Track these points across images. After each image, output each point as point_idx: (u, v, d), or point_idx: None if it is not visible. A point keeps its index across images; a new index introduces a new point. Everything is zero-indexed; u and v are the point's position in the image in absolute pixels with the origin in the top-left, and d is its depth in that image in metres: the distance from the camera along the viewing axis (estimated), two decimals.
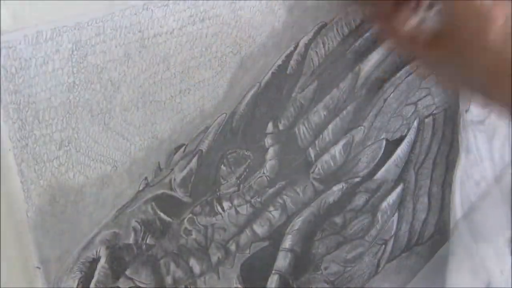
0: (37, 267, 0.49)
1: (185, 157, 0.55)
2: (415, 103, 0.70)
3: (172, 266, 0.56)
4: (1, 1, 0.42)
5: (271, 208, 0.62)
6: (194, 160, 0.55)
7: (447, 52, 0.55)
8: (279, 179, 0.62)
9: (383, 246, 0.73)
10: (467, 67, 0.55)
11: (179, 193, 0.55)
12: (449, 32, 0.55)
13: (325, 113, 0.63)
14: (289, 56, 0.60)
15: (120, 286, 0.53)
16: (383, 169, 0.69)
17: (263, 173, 0.60)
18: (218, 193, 0.58)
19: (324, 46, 0.62)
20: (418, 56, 0.59)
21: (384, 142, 0.68)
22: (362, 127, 0.66)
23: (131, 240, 0.53)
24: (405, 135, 0.70)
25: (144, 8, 0.49)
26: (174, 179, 0.55)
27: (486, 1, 0.52)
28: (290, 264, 0.64)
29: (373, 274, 0.74)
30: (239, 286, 0.61)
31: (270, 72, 0.59)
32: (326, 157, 0.64)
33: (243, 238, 0.60)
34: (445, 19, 0.55)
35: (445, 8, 0.55)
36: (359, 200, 0.68)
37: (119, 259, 0.53)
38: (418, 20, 0.56)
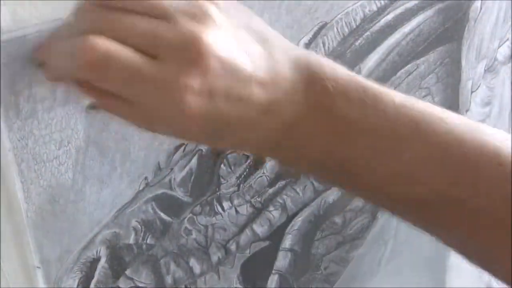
0: (37, 267, 0.49)
1: (184, 156, 0.55)
2: None
3: (172, 266, 0.56)
4: (1, 1, 0.42)
5: (271, 208, 0.62)
6: (194, 159, 0.55)
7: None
8: (279, 178, 0.62)
9: (383, 246, 0.73)
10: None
11: (179, 193, 0.55)
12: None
13: None
14: None
15: (121, 286, 0.53)
16: None
17: (263, 172, 0.60)
18: (218, 193, 0.58)
19: (324, 46, 0.62)
20: None
21: None
22: None
23: (131, 240, 0.53)
24: None
25: None
26: (174, 179, 0.55)
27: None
28: (290, 264, 0.64)
29: (373, 274, 0.74)
30: (239, 286, 0.61)
31: None
32: None
33: (243, 238, 0.60)
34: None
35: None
36: (359, 200, 0.68)
37: (119, 259, 0.53)
38: None
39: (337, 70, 0.44)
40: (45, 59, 0.43)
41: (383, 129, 0.43)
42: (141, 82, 0.40)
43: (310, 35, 0.61)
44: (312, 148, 0.44)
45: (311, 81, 0.43)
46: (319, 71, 0.43)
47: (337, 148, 0.43)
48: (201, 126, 0.41)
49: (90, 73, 0.40)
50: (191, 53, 0.40)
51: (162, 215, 0.55)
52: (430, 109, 0.44)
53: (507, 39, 0.80)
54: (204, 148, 0.56)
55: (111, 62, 0.39)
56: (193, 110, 0.40)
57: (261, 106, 0.42)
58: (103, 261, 0.52)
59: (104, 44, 0.39)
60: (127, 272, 0.53)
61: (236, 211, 0.59)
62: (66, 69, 0.41)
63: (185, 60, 0.40)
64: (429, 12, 0.69)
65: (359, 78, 0.44)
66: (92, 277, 0.52)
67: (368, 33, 0.65)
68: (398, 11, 0.66)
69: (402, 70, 0.69)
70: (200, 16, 0.41)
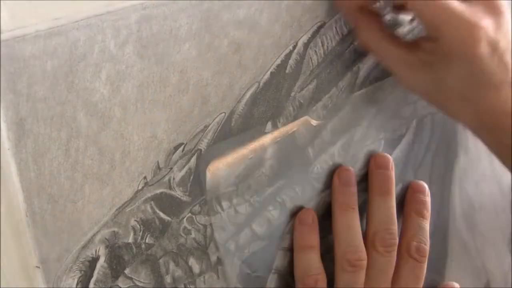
0: (37, 267, 0.49)
1: (184, 156, 0.55)
2: (414, 103, 0.70)
3: (172, 265, 0.56)
4: (1, 1, 0.42)
5: (270, 208, 0.62)
6: (193, 159, 0.55)
7: (428, 57, 0.56)
8: (278, 178, 0.62)
9: None
10: (446, 76, 0.55)
11: (178, 193, 0.55)
12: (433, 39, 0.55)
13: (324, 112, 0.63)
14: (288, 56, 0.60)
15: (120, 285, 0.53)
16: None
17: (262, 172, 0.60)
18: (217, 193, 0.58)
19: (323, 46, 0.62)
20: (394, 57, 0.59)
21: (382, 142, 0.68)
22: (361, 127, 0.66)
23: (130, 239, 0.53)
24: (404, 135, 0.70)
25: (143, 7, 0.49)
26: (173, 178, 0.55)
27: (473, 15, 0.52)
28: (289, 264, 0.64)
29: None
30: (238, 285, 0.61)
31: (269, 72, 0.59)
32: (325, 156, 0.64)
33: (243, 237, 0.60)
34: (427, 27, 0.56)
35: (423, 17, 0.56)
36: (358, 199, 0.68)
37: (118, 258, 0.53)
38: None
39: None
40: None
41: None
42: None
43: (309, 34, 0.61)
44: None
45: None
46: None
47: None
48: (479, 66, 0.53)
49: None
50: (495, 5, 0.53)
51: (161, 214, 0.55)
52: None
53: None
54: (203, 147, 0.56)
55: None
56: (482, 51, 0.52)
57: None
58: (102, 260, 0.52)
59: None
60: (126, 271, 0.53)
61: (235, 211, 0.59)
62: None
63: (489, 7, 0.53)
64: None
65: None
66: (91, 276, 0.52)
67: None
68: None
69: None
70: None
